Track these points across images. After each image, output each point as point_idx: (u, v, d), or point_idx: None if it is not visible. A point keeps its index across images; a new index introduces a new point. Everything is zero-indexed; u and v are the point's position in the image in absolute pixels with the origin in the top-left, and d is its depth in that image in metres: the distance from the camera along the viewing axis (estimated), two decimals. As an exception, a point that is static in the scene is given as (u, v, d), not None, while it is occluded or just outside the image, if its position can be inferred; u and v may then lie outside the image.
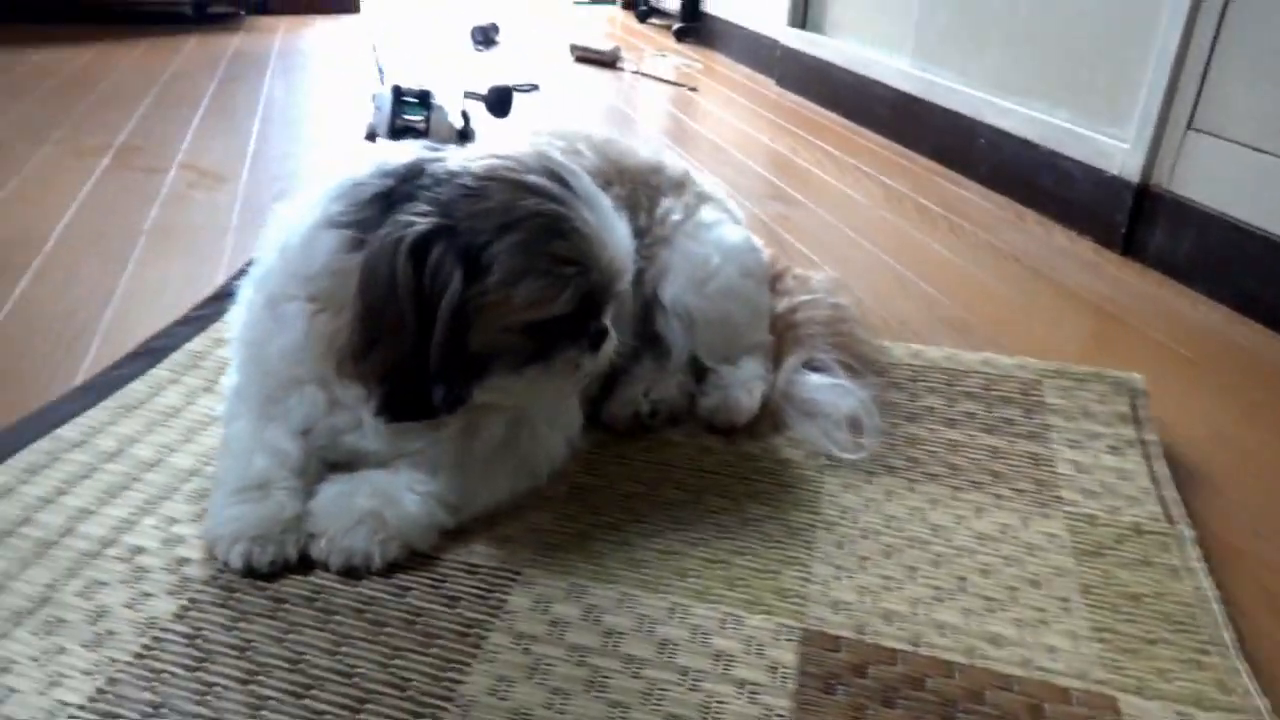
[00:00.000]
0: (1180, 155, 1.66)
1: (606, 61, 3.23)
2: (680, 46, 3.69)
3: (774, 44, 3.07)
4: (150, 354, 1.16)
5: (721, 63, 3.42)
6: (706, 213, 1.15)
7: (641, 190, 1.12)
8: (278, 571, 0.83)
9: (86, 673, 0.73)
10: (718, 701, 0.73)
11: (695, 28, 3.75)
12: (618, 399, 1.08)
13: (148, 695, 0.71)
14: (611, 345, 0.91)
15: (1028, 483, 1.02)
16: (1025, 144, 2.00)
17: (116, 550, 0.85)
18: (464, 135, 2.08)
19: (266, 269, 0.88)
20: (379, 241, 0.78)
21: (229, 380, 0.95)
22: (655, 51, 3.51)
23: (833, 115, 2.73)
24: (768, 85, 3.09)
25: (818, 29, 2.90)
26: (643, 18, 4.26)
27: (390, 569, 0.84)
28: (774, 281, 1.27)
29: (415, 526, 0.86)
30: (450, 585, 0.83)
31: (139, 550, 0.85)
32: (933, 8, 2.37)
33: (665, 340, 1.12)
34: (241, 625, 0.78)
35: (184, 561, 0.84)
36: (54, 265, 1.44)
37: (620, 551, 0.89)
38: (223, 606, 0.80)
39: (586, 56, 3.28)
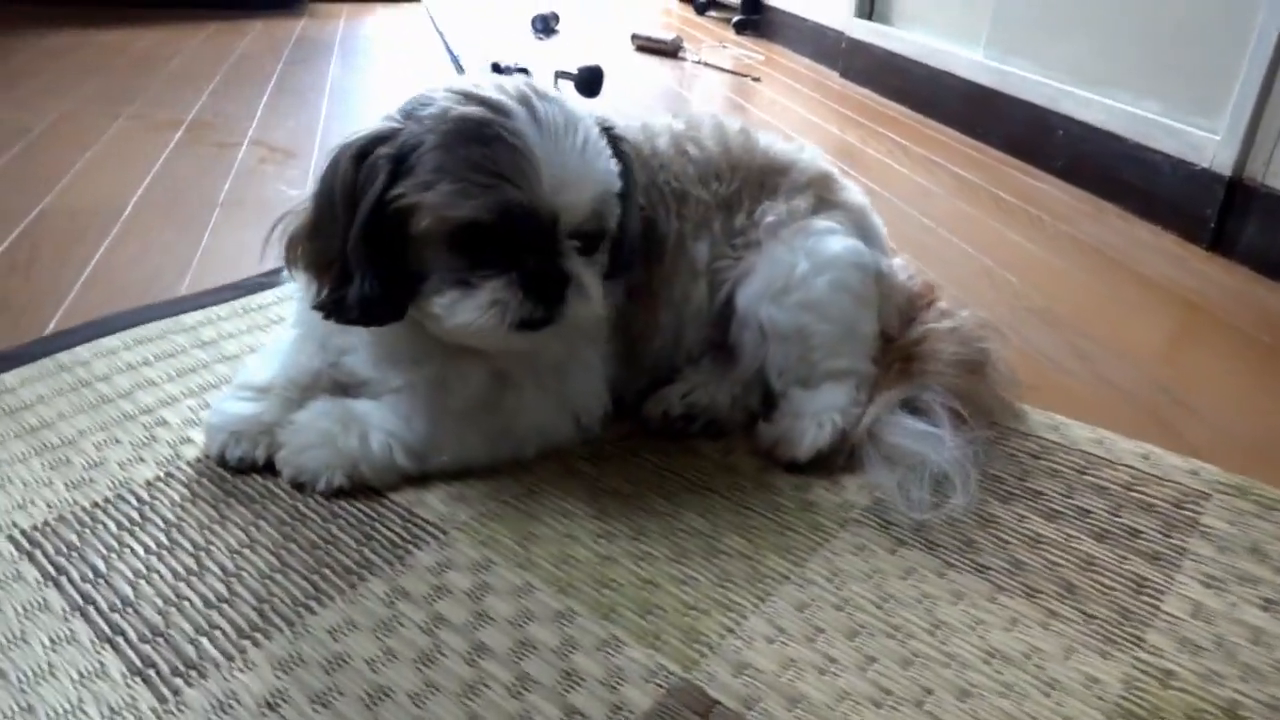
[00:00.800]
0: (1278, 147, 1.58)
1: (668, 51, 3.19)
2: (740, 39, 3.59)
3: (839, 35, 3.03)
4: (292, 269, 1.28)
5: (783, 54, 3.33)
6: (819, 220, 1.03)
7: (748, 189, 1.03)
8: (245, 468, 0.88)
9: (50, 506, 0.82)
10: (531, 719, 0.65)
11: (755, 20, 3.67)
12: (655, 395, 1.00)
13: (73, 537, 0.79)
14: (586, 303, 0.81)
15: (1109, 609, 0.78)
16: (1107, 136, 1.92)
17: (148, 419, 0.95)
18: None
19: None
20: (342, 143, 0.80)
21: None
22: (714, 43, 3.44)
23: (901, 107, 2.67)
24: (832, 77, 3.02)
25: (885, 20, 2.86)
26: (701, 10, 4.12)
27: (339, 495, 0.86)
28: (915, 309, 1.11)
29: (370, 463, 0.86)
30: (376, 525, 0.83)
31: (162, 423, 0.95)
32: (1012, -4, 2.29)
33: (737, 350, 1.02)
34: (186, 505, 0.84)
35: (186, 441, 0.92)
36: (131, 234, 1.44)
37: (556, 543, 0.82)
38: (185, 486, 0.86)
39: (648, 46, 3.24)
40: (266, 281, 1.25)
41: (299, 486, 0.86)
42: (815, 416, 0.97)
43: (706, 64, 3.07)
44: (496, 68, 2.18)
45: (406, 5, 3.90)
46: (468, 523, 0.84)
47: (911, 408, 0.99)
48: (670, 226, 0.99)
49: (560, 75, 2.36)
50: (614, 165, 0.82)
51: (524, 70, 2.19)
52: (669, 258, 0.99)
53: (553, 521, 0.85)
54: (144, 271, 1.31)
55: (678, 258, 0.99)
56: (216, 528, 0.81)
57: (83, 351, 1.06)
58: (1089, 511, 0.91)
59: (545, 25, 3.44)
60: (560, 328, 0.81)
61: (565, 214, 0.78)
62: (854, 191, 1.11)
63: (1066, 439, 1.02)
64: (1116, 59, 1.94)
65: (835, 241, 1.01)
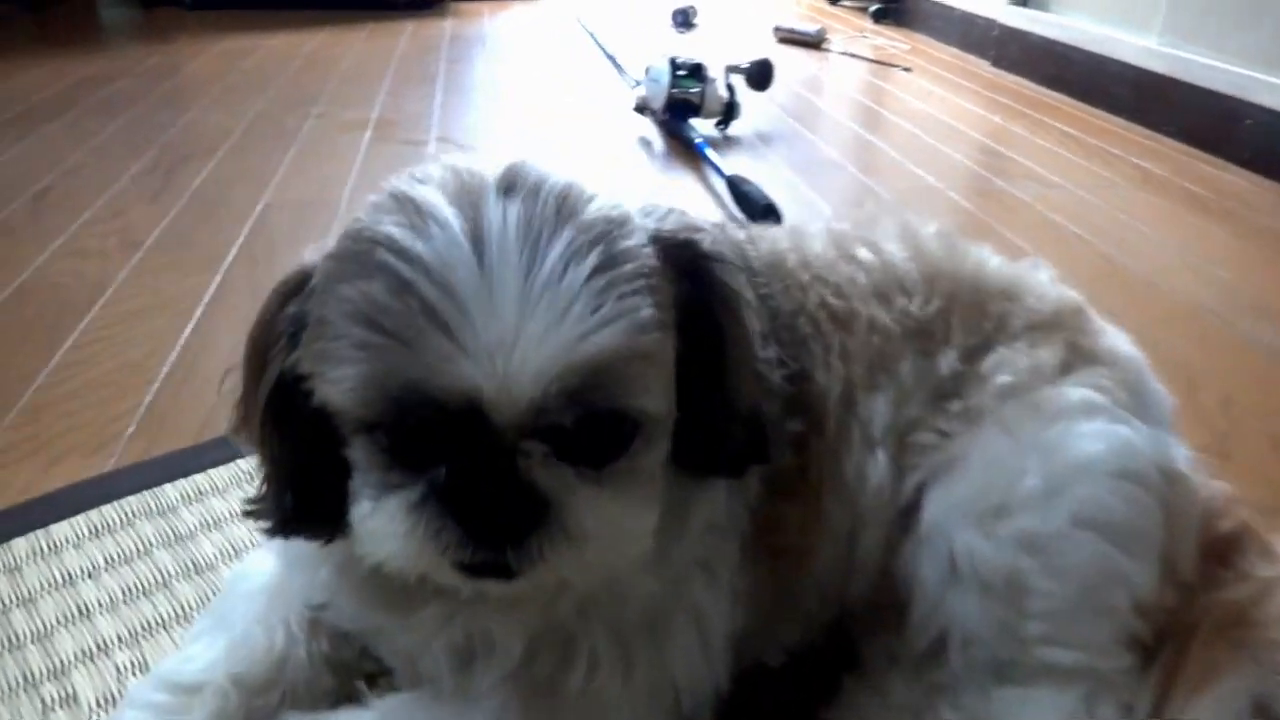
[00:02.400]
0: None
1: (811, 43, 3.15)
2: (878, 28, 3.50)
3: (990, 23, 2.96)
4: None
5: (926, 43, 3.27)
6: (1074, 389, 0.63)
7: (959, 315, 0.66)
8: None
9: None
10: None
11: (894, 8, 3.56)
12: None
13: None
14: (578, 549, 0.46)
15: None
16: None
17: (53, 690, 0.69)
18: (730, 107, 2.08)
19: None
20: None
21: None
22: (853, 33, 3.38)
23: (1061, 96, 2.58)
24: (982, 66, 2.94)
25: (1042, 6, 2.79)
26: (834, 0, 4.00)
27: None
28: (1221, 554, 0.68)
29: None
30: None
31: (69, 700, 0.68)
32: (1192, -19, 2.20)
33: (911, 588, 0.63)
34: None
35: (81, 744, 0.66)
36: (354, 227, 1.54)
37: None
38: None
39: (790, 38, 3.19)
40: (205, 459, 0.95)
41: None
42: None
43: (852, 55, 2.99)
44: (674, 64, 2.06)
45: (542, 1, 3.92)
46: None
47: (1268, 713, 0.59)
48: (833, 372, 0.63)
49: (731, 70, 2.27)
50: (645, 307, 0.46)
51: (699, 65, 2.07)
52: (832, 420, 0.63)
53: None
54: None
55: (846, 417, 0.63)
56: None
57: (20, 546, 0.81)
58: None
59: (685, 19, 3.43)
60: (544, 576, 0.47)
61: (503, 397, 0.44)
62: (1118, 336, 0.70)
63: None
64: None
65: (1090, 435, 0.61)
